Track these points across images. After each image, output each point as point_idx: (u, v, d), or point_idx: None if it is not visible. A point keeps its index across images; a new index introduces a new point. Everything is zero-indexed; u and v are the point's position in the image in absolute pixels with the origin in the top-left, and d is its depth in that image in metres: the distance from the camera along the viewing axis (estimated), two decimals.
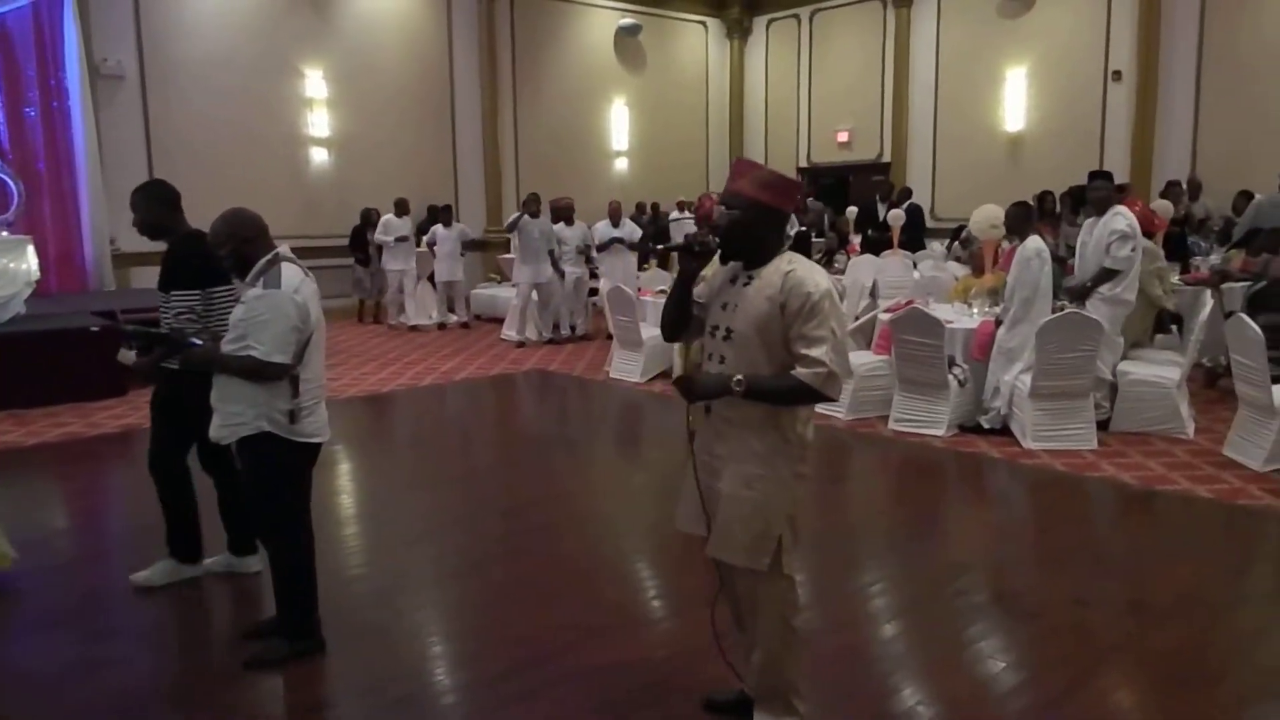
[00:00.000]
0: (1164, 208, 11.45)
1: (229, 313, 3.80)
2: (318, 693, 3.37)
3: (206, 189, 11.11)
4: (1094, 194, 6.77)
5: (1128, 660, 3.49)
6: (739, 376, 2.50)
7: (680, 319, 2.76)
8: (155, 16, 11.84)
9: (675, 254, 2.88)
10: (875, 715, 3.12)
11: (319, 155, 13.42)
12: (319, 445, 3.49)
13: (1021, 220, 6.57)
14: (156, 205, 4.03)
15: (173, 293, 3.92)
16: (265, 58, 12.75)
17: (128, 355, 3.85)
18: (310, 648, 3.48)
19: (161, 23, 11.90)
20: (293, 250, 3.44)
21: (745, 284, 2.62)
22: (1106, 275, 6.45)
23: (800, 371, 2.49)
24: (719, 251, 2.65)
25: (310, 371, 3.39)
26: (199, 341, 3.50)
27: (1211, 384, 7.85)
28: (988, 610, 4.03)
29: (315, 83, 13.23)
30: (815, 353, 2.47)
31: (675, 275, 2.75)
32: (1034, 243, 6.37)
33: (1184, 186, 11.94)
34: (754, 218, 2.60)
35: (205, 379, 3.43)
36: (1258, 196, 10.12)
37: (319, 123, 13.33)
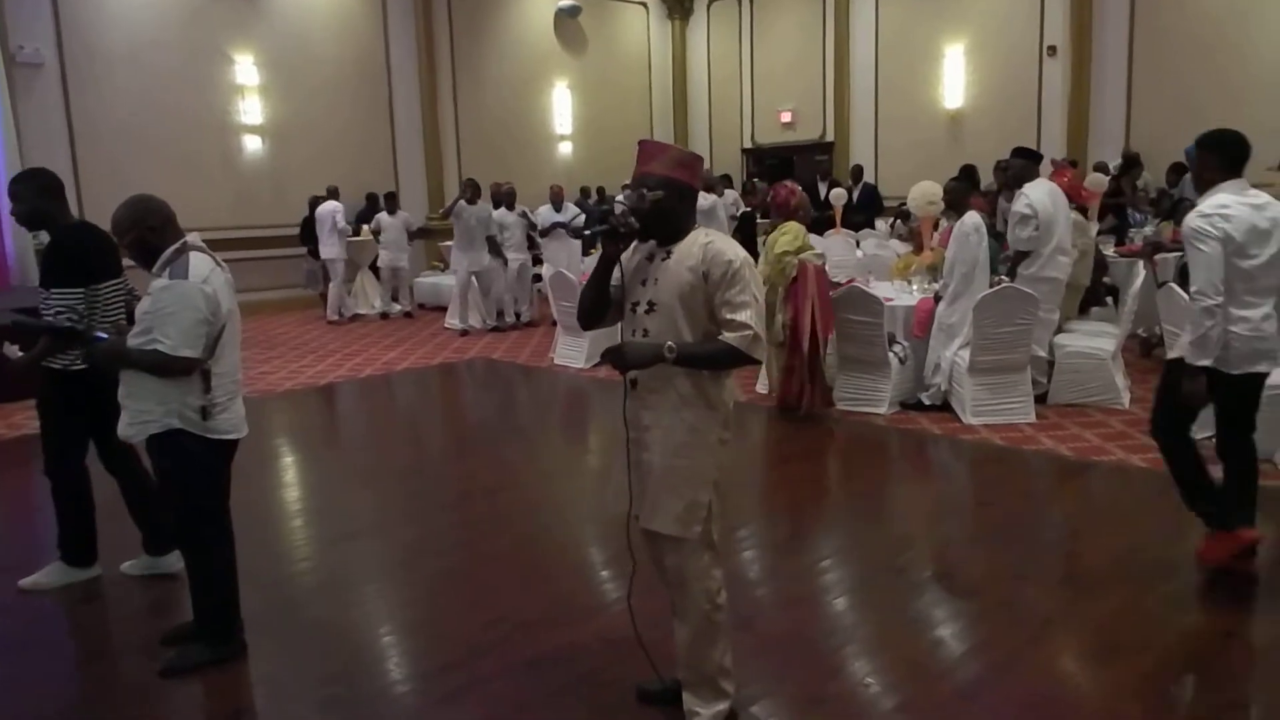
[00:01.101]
0: (1096, 181, 11.62)
1: (115, 308, 3.64)
2: (239, 698, 3.26)
3: (133, 180, 10.80)
4: (1008, 172, 6.83)
5: (1063, 632, 3.51)
6: (670, 343, 2.55)
7: (599, 302, 2.76)
8: (73, 2, 11.41)
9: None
10: (820, 692, 3.10)
11: (252, 143, 13.07)
12: (235, 442, 3.36)
13: (959, 196, 6.59)
14: (40, 194, 3.83)
15: (53, 290, 3.71)
16: (192, 44, 12.36)
17: (12, 350, 3.66)
18: (231, 653, 3.36)
19: (80, 9, 11.46)
20: (230, 240, 3.30)
21: (664, 259, 2.68)
22: (1019, 257, 6.50)
23: (728, 336, 2.57)
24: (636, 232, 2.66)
25: (224, 365, 3.26)
26: (104, 335, 3.34)
27: (1148, 353, 7.97)
28: (929, 586, 4.03)
29: (246, 69, 12.87)
30: (740, 317, 2.56)
31: (598, 258, 2.71)
32: (972, 218, 6.38)
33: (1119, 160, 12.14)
34: (672, 197, 2.65)
35: (102, 376, 3.27)
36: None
37: (251, 110, 12.97)
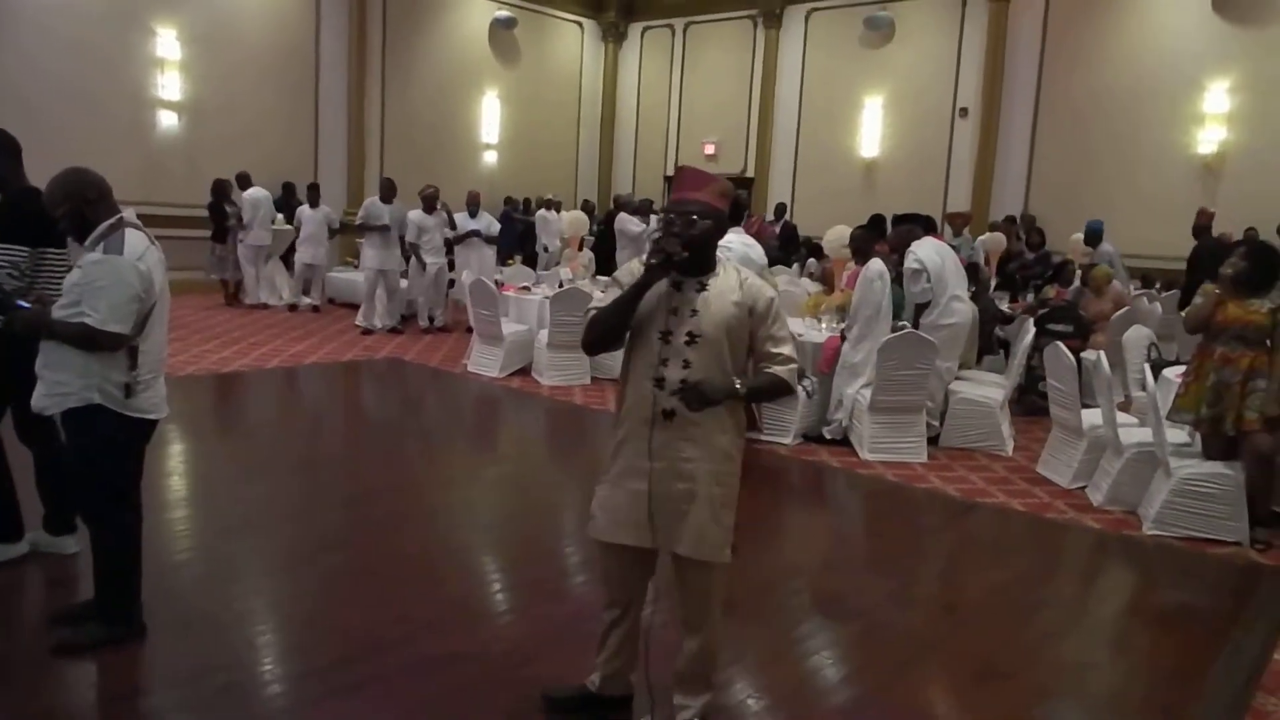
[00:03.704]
0: (995, 240, 12.27)
1: (58, 279, 3.58)
2: (131, 680, 3.21)
3: (40, 145, 10.37)
4: (895, 237, 7.33)
5: (940, 657, 3.73)
6: (738, 379, 2.64)
7: (623, 328, 2.70)
8: None
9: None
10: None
11: (167, 119, 12.71)
12: (154, 422, 3.33)
13: (866, 243, 6.93)
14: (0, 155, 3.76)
15: None
16: (112, 10, 11.98)
17: None
18: (128, 633, 3.31)
19: None
20: (136, 217, 3.28)
21: (699, 290, 2.68)
22: (919, 309, 6.91)
23: (778, 369, 2.68)
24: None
25: (150, 343, 3.24)
26: (27, 304, 3.28)
27: (1018, 400, 8.43)
28: (816, 609, 4.23)
29: (168, 42, 12.52)
30: (785, 350, 2.69)
31: (634, 284, 2.64)
32: (876, 265, 6.71)
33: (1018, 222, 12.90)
34: (717, 226, 2.69)
35: (23, 343, 3.21)
36: (1104, 246, 10.81)
37: (170, 85, 12.62)
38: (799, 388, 2.74)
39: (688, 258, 2.58)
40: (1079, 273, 9.93)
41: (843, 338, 6.94)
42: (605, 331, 2.71)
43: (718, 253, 2.78)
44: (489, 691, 3.21)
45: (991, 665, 3.64)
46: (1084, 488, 5.95)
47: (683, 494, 2.68)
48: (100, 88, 11.93)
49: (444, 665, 3.36)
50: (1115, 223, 11.61)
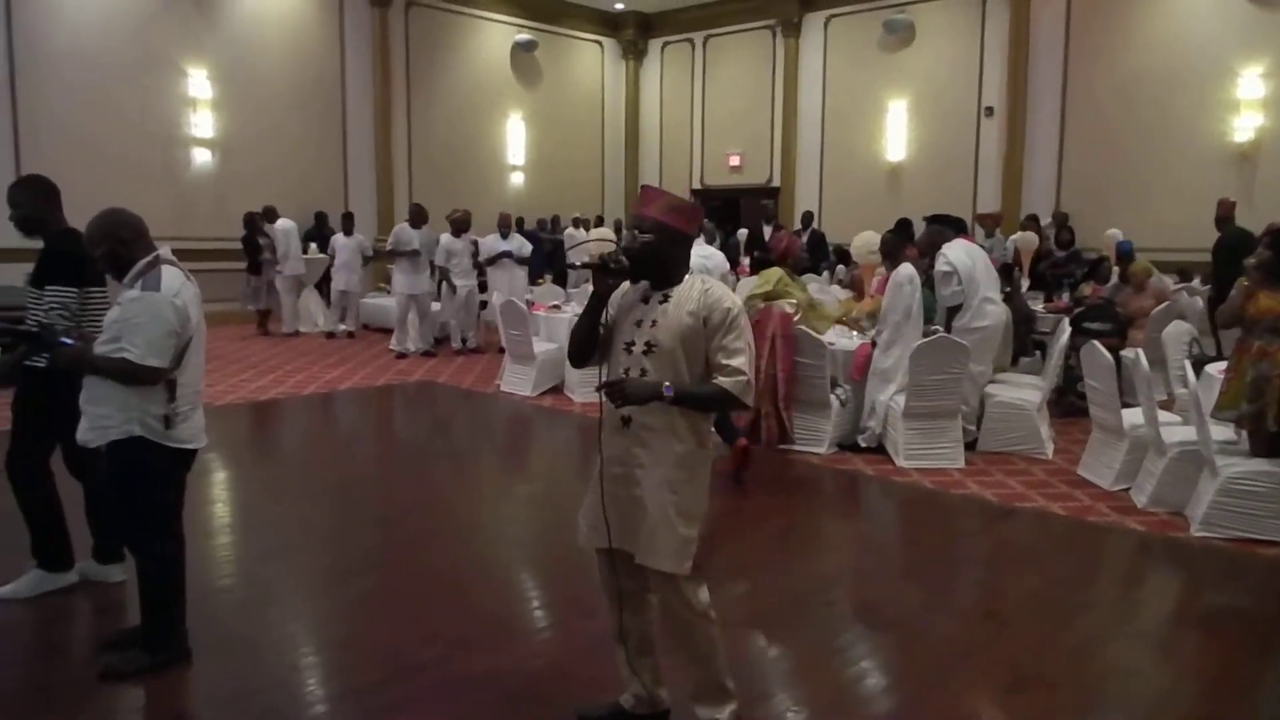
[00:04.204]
0: (1028, 239, 12.14)
1: (100, 316, 3.69)
2: (175, 705, 3.28)
3: (82, 185, 10.60)
4: (925, 238, 7.24)
5: (980, 665, 3.68)
6: (667, 383, 2.65)
7: (591, 339, 2.80)
8: (28, 6, 11.30)
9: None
10: (747, 716, 3.20)
11: (201, 156, 13.00)
12: (194, 452, 3.41)
13: (895, 247, 6.88)
14: (38, 199, 3.90)
15: (48, 288, 3.77)
16: (146, 54, 12.33)
17: None
18: (172, 659, 3.38)
19: (35, 13, 11.35)
20: (171, 253, 3.37)
21: (662, 301, 2.76)
22: (951, 311, 6.84)
23: (723, 380, 2.68)
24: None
25: (188, 376, 3.33)
26: (70, 341, 3.38)
27: (1057, 401, 8.33)
28: (854, 619, 4.20)
29: (199, 82, 12.83)
30: (736, 362, 2.67)
31: (590, 295, 2.77)
32: (906, 269, 6.67)
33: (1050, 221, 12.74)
34: (664, 241, 2.74)
35: (72, 379, 3.32)
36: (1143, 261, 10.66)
37: (202, 123, 12.93)
38: (748, 401, 2.69)
39: (628, 267, 2.68)
40: (1115, 269, 9.79)
41: (873, 344, 6.90)
42: (578, 344, 2.84)
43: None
44: (526, 708, 3.22)
45: (1032, 673, 3.59)
46: (1127, 489, 5.85)
47: (635, 499, 2.75)
48: (137, 128, 12.24)
49: (480, 683, 3.38)
50: (1149, 216, 11.47)
